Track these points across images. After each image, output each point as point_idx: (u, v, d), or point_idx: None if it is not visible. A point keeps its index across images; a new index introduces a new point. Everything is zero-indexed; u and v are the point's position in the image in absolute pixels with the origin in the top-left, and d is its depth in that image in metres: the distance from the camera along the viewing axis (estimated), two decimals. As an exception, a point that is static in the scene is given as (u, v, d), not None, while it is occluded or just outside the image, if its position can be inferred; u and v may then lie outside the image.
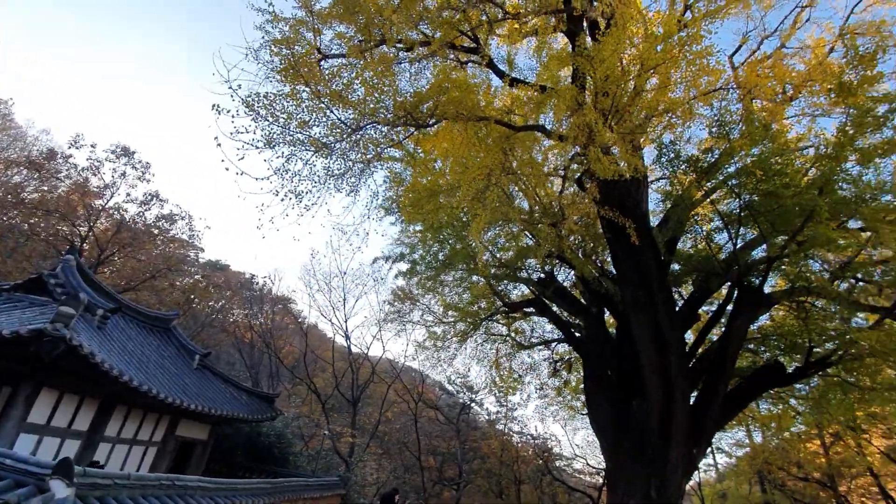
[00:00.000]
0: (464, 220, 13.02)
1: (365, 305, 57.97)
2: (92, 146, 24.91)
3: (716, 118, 9.71)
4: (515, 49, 12.61)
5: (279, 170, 6.92)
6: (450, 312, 17.50)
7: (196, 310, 31.31)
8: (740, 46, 12.70)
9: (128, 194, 25.78)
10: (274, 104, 6.70)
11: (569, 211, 9.84)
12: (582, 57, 7.63)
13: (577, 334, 14.81)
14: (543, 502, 26.26)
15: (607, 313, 14.44)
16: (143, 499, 7.23)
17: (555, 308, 15.23)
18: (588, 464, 26.37)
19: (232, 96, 6.90)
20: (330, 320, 28.77)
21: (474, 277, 15.18)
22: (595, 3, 7.11)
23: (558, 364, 18.00)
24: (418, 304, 18.38)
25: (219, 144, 6.32)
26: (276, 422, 18.72)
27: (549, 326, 17.25)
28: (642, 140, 11.39)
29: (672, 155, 10.45)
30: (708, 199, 11.48)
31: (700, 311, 13.46)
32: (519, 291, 16.66)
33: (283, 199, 6.93)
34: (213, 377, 16.98)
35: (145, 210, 26.40)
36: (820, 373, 11.28)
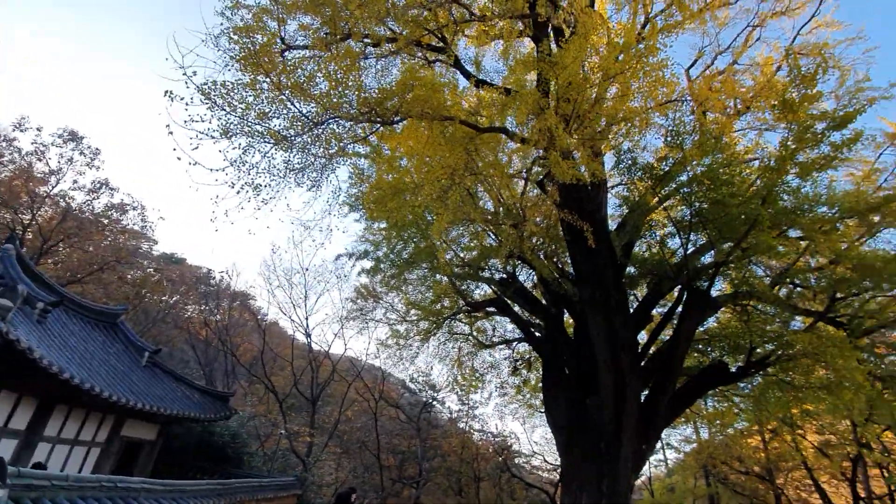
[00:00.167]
0: (429, 218, 13.03)
1: (327, 303, 56.92)
2: (38, 129, 23.39)
3: (671, 128, 10.14)
4: (483, 51, 12.74)
5: (236, 161, 6.72)
6: (413, 311, 17.48)
7: (147, 305, 29.92)
8: (696, 60, 13.29)
9: (75, 181, 24.36)
10: (231, 93, 6.50)
11: (530, 212, 10.04)
12: (546, 63, 7.80)
13: (537, 334, 15.12)
14: (502, 499, 26.64)
15: (566, 314, 14.81)
16: (81, 501, 6.88)
17: (516, 308, 15.48)
18: (545, 460, 26.98)
19: (186, 83, 6.64)
20: (290, 317, 28.06)
21: (438, 276, 15.22)
22: (559, 11, 7.26)
23: (518, 363, 18.31)
24: (381, 301, 18.27)
25: (170, 133, 6.07)
26: (230, 421, 18.15)
27: (510, 326, 17.53)
28: (603, 146, 11.75)
29: (629, 162, 10.84)
30: (662, 206, 11.96)
31: (653, 312, 14.00)
32: (481, 291, 16.85)
33: (239, 192, 6.73)
34: (164, 375, 16.30)
35: (94, 199, 25.00)
36: (760, 372, 11.97)
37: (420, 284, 16.27)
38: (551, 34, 10.15)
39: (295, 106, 6.71)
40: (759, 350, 11.72)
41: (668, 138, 10.48)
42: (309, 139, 6.99)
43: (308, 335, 24.36)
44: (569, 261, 12.99)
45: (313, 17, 8.10)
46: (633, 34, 8.92)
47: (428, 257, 13.93)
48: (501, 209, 12.58)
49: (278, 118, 6.84)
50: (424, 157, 9.45)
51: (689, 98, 10.50)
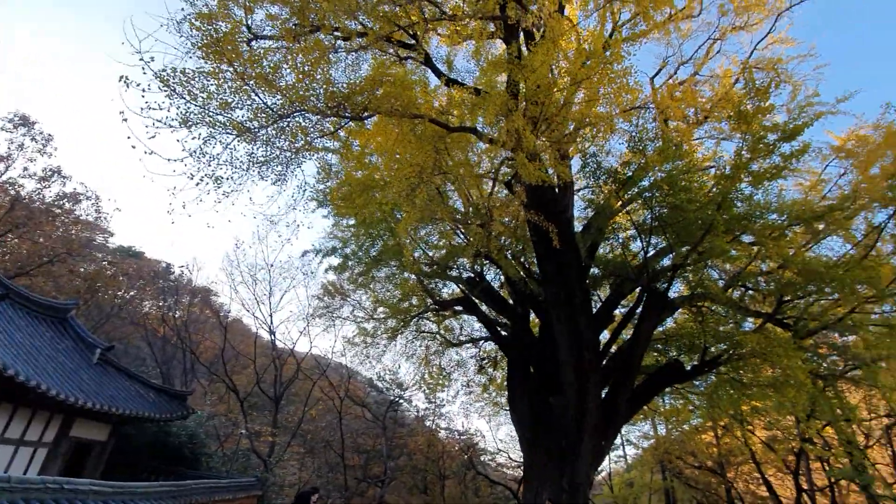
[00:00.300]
0: (398, 216, 12.98)
1: (293, 300, 55.48)
2: (-17, 113, 21.84)
3: (634, 134, 10.47)
4: (455, 51, 12.77)
5: (195, 152, 6.50)
6: (381, 309, 17.38)
7: (101, 299, 28.54)
8: (660, 70, 13.75)
9: (25, 168, 22.91)
10: (192, 81, 6.27)
11: (497, 212, 10.16)
12: (515, 65, 7.90)
13: (504, 333, 15.32)
14: (466, 496, 26.83)
15: (532, 314, 15.07)
16: (24, 503, 6.56)
17: (483, 307, 15.63)
18: (510, 458, 27.34)
19: (144, 69, 6.38)
20: (254, 314, 27.24)
21: (406, 274, 15.18)
22: (528, 14, 7.37)
23: (485, 361, 18.50)
24: (349, 299, 18.09)
25: (125, 119, 5.81)
26: (188, 421, 17.56)
27: (477, 325, 17.67)
28: (570, 150, 12.00)
29: (595, 166, 11.12)
30: (626, 210, 12.33)
31: (615, 312, 14.41)
32: (449, 290, 16.91)
33: (198, 184, 6.51)
34: (116, 373, 15.60)
35: (45, 187, 23.59)
36: (713, 371, 12.51)
37: (388, 282, 16.20)
38: (522, 37, 10.30)
39: (259, 97, 6.55)
40: (712, 349, 12.25)
41: (632, 144, 10.81)
42: (274, 132, 6.84)
43: (272, 333, 23.84)
44: (535, 261, 13.21)
45: (281, 7, 7.93)
46: (600, 41, 9.14)
47: (396, 255, 13.88)
48: (470, 208, 12.67)
49: (242, 109, 6.66)
50: (394, 155, 9.41)
51: (652, 106, 10.85)
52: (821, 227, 11.39)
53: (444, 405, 26.97)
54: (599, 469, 26.89)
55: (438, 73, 9.17)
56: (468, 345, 18.66)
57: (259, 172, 7.07)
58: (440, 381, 20.57)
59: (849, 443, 15.37)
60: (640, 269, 11.76)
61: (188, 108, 6.44)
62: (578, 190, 14.42)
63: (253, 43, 7.81)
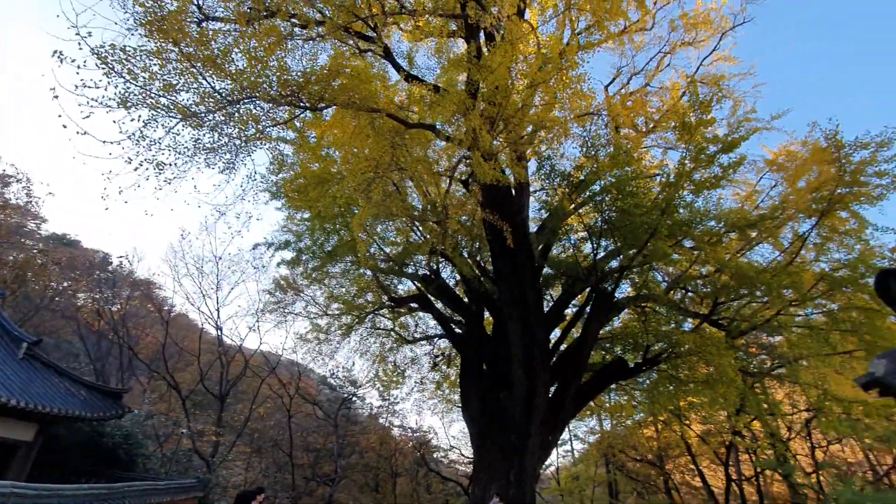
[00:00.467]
0: (354, 211, 12.80)
1: (242, 294, 53.15)
2: None
3: (587, 140, 10.83)
4: (417, 47, 12.73)
5: (134, 135, 6.12)
6: (335, 305, 17.09)
7: (31, 290, 26.44)
8: (614, 79, 14.29)
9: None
10: (133, 60, 5.90)
11: (454, 210, 10.23)
12: (474, 64, 7.96)
13: (458, 331, 15.44)
14: (418, 493, 26.88)
15: (487, 313, 15.28)
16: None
17: (439, 305, 15.69)
18: (462, 454, 27.62)
19: (80, 44, 5.95)
20: (199, 309, 25.86)
21: (362, 270, 15.00)
22: (488, 15, 7.44)
23: (438, 359, 18.59)
24: (302, 294, 17.63)
25: (56, 97, 5.39)
26: (123, 420, 16.55)
27: (432, 322, 17.71)
28: (528, 152, 12.26)
29: (549, 168, 11.41)
30: (578, 212, 12.73)
31: (566, 312, 14.86)
32: (405, 287, 16.85)
33: (136, 169, 6.14)
34: (44, 369, 14.50)
35: (-35, 167, 21.56)
36: (654, 368, 13.16)
37: (343, 278, 15.93)
38: (483, 38, 10.40)
39: (207, 81, 6.25)
40: (653, 348, 12.88)
41: (585, 149, 11.18)
42: (222, 118, 6.55)
43: (219, 328, 22.86)
44: (490, 260, 13.40)
45: (235, -12, 7.61)
46: (558, 47, 9.39)
47: (352, 250, 13.68)
48: (428, 206, 12.68)
49: (187, 92, 6.33)
50: (351, 148, 9.26)
51: (605, 113, 11.26)
52: (753, 234, 12.23)
53: (397, 402, 26.86)
54: (547, 463, 27.69)
55: (398, 68, 9.11)
56: (423, 342, 18.68)
57: (206, 160, 6.75)
58: (394, 379, 20.45)
59: (772, 435, 16.60)
60: (589, 269, 12.18)
61: (128, 87, 6.06)
62: (534, 192, 14.76)
63: (203, 24, 7.46)
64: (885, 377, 3.47)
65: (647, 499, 24.51)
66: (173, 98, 6.23)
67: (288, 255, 15.62)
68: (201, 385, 21.82)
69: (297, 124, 10.92)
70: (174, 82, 6.14)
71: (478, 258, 14.80)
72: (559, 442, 26.92)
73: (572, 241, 13.97)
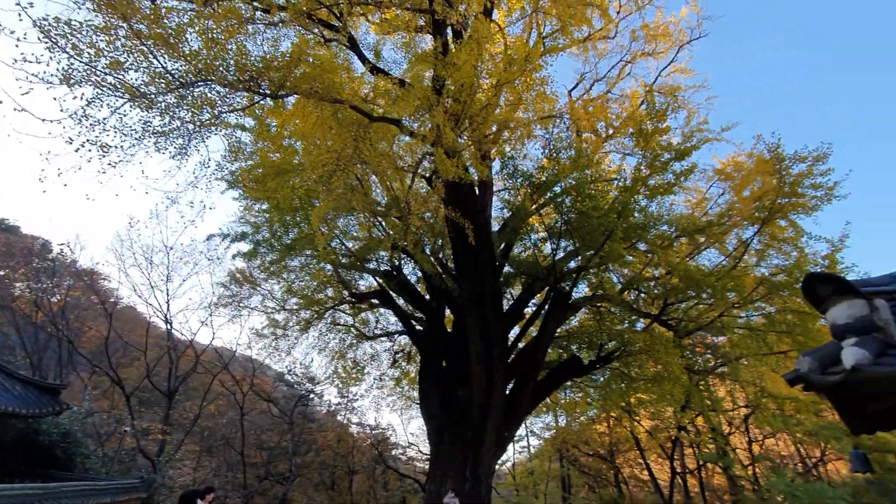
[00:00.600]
0: (315, 204, 12.54)
1: (195, 286, 50.95)
2: None
3: (550, 141, 11.06)
4: (384, 40, 12.59)
5: (76, 114, 5.75)
6: (293, 299, 16.69)
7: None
8: (577, 84, 14.64)
9: None
10: (79, 35, 5.54)
11: (417, 207, 10.20)
12: (440, 61, 7.96)
13: (419, 327, 15.44)
14: (375, 490, 26.68)
15: (448, 311, 15.34)
16: None
17: (400, 301, 15.62)
18: (420, 451, 27.63)
19: (20, 15, 5.53)
20: (147, 301, 24.28)
21: (322, 264, 14.72)
22: (454, 11, 7.45)
23: (399, 355, 18.53)
24: (259, 288, 17.12)
25: (-14, 67, 5.00)
26: (62, 417, 15.57)
27: (393, 318, 17.61)
28: (493, 152, 12.38)
29: (512, 168, 11.57)
30: (539, 213, 12.98)
31: (525, 310, 15.14)
32: (366, 282, 16.68)
33: (78, 150, 5.76)
34: (-30, 363, 13.43)
35: None
36: (607, 366, 13.62)
37: (302, 272, 15.58)
38: (451, 35, 10.41)
39: (159, 61, 5.95)
40: (607, 346, 13.33)
41: (548, 151, 11.41)
42: (174, 100, 6.24)
43: (168, 322, 21.83)
44: (452, 257, 13.47)
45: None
46: (524, 49, 9.52)
47: (312, 244, 13.38)
48: (391, 201, 12.59)
49: (137, 71, 6.00)
50: (313, 139, 9.06)
51: (567, 116, 11.53)
52: (702, 239, 12.86)
53: (356, 399, 26.54)
54: (504, 459, 28.16)
55: (364, 59, 8.99)
56: (383, 338, 18.58)
57: (155, 143, 6.41)
58: (354, 375, 20.22)
59: (714, 430, 17.53)
60: (549, 269, 12.46)
61: (71, 63, 5.68)
62: (498, 191, 14.94)
63: (157, 0, 7.09)
64: (809, 374, 3.74)
65: (597, 492, 25.38)
66: (121, 77, 5.89)
67: (245, 247, 15.15)
68: (148, 381, 20.80)
69: (257, 112, 10.59)
70: (122, 60, 5.80)
71: (440, 255, 14.84)
72: (516, 438, 27.52)
73: (533, 241, 14.25)
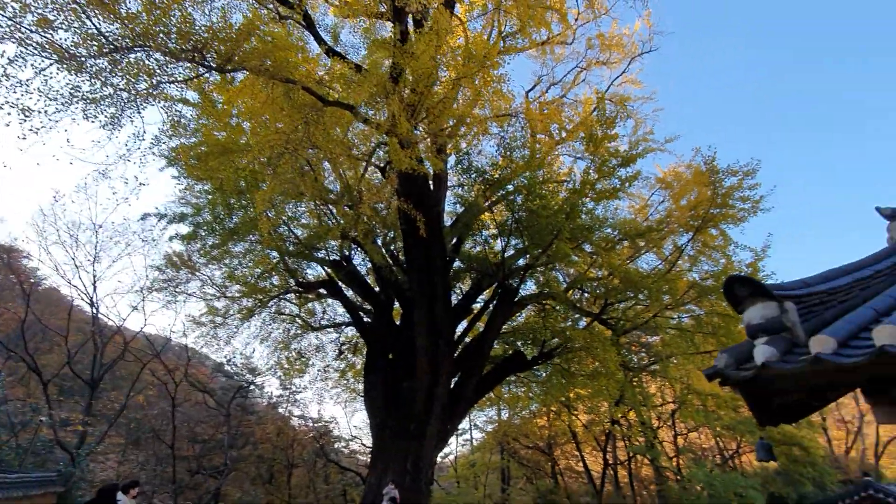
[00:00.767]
0: (263, 187, 12.06)
1: (126, 268, 47.43)
2: None
3: (505, 140, 11.25)
4: (343, 24, 12.28)
5: (-7, 71, 5.19)
6: (236, 287, 15.98)
7: None
8: (535, 86, 14.96)
9: None
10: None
11: (369, 196, 10.06)
12: (398, 49, 7.87)
13: (367, 319, 15.26)
14: (315, 484, 26.21)
15: (397, 304, 15.26)
16: None
17: (349, 292, 15.38)
18: (363, 444, 27.40)
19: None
20: (70, 282, 22.18)
21: (268, 251, 14.20)
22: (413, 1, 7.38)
23: (345, 347, 18.27)
24: (198, 273, 16.23)
25: None
26: (-35, 406, 14.16)
27: (340, 309, 17.33)
28: (449, 147, 12.42)
29: (467, 164, 11.67)
30: (491, 209, 13.18)
31: (473, 305, 15.35)
32: (315, 272, 16.27)
33: (-7, 111, 5.21)
34: None
35: None
36: (549, 361, 14.09)
37: (246, 258, 14.95)
38: (411, 24, 10.31)
39: (92, 21, 5.48)
40: (550, 343, 13.79)
41: (502, 149, 11.60)
42: (107, 65, 5.78)
43: (94, 305, 20.26)
44: (403, 250, 13.41)
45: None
46: (483, 45, 9.59)
47: (257, 229, 12.90)
48: (343, 189, 12.35)
49: (67, 31, 5.50)
50: (262, 119, 8.70)
51: (523, 116, 11.75)
52: (642, 243, 13.56)
53: (299, 391, 25.90)
54: (447, 452, 28.51)
55: (320, 40, 8.74)
56: (330, 329, 18.21)
57: (84, 111, 5.91)
58: (297, 367, 19.72)
59: (644, 424, 18.60)
60: (498, 266, 12.69)
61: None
62: (452, 186, 15.01)
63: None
64: (725, 369, 4.06)
65: (535, 483, 26.29)
66: (49, 36, 5.37)
67: (184, 229, 14.31)
68: (69, 369, 19.28)
69: (204, 87, 10.02)
70: (52, 18, 5.30)
71: (391, 247, 14.72)
72: (459, 431, 27.94)
73: (484, 237, 14.45)
